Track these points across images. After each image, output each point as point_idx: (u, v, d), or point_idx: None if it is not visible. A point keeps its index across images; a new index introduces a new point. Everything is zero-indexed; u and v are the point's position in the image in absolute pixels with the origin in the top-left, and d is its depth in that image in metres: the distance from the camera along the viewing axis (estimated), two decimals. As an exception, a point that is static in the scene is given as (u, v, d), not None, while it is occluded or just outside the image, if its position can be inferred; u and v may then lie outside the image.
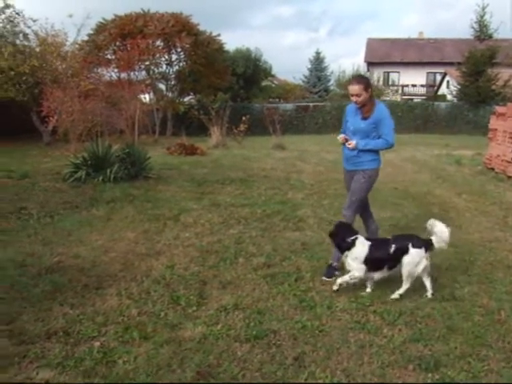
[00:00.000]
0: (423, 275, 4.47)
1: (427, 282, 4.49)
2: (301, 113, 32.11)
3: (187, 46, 24.66)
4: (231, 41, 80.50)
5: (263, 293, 4.49)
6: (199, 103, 27.77)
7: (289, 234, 6.44)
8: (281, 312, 4.10)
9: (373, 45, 49.86)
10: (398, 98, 40.19)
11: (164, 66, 26.06)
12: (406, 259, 4.40)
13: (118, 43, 24.39)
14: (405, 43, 50.14)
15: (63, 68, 19.08)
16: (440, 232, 4.46)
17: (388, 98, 37.51)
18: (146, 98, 23.78)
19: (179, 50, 25.69)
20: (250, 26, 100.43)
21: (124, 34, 23.55)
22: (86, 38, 24.42)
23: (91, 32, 24.89)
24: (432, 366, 3.30)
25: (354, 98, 4.85)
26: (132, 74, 22.92)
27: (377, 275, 4.52)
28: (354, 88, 4.78)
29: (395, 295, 4.40)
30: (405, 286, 4.43)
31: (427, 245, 4.47)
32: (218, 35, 26.81)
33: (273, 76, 46.04)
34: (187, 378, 3.13)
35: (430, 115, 31.52)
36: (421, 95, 45.78)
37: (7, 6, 18.60)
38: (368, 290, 4.58)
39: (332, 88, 48.56)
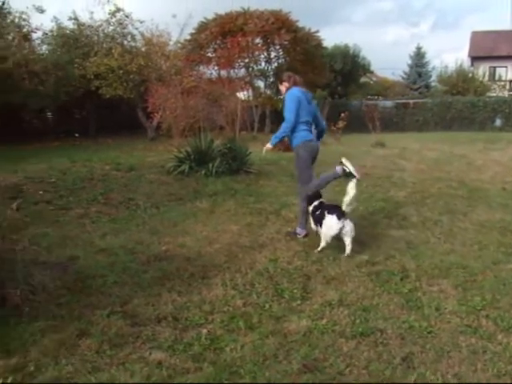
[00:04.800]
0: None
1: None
2: (401, 110, 31.09)
3: (286, 42, 24.69)
4: (330, 37, 79.72)
5: (368, 290, 4.39)
6: (297, 100, 27.66)
7: (392, 232, 6.27)
8: (387, 310, 4.00)
9: (477, 38, 47.09)
10: (506, 94, 37.85)
11: (263, 63, 26.27)
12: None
13: (218, 41, 24.87)
14: (513, 35, 47.03)
15: (167, 66, 19.82)
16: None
17: (495, 94, 35.46)
18: (245, 94, 24.05)
19: (278, 47, 25.77)
20: (350, 22, 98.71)
21: (224, 32, 23.98)
22: (188, 37, 25.21)
23: (193, 31, 25.62)
24: (556, 379, 3.07)
25: None
26: (231, 71, 23.27)
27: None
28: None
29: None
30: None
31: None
32: (317, 31, 26.65)
33: (371, 72, 44.98)
34: (293, 369, 3.12)
35: (542, 111, 29.28)
36: (531, 91, 42.78)
37: (118, 10, 19.72)
38: None
39: (433, 84, 46.45)
